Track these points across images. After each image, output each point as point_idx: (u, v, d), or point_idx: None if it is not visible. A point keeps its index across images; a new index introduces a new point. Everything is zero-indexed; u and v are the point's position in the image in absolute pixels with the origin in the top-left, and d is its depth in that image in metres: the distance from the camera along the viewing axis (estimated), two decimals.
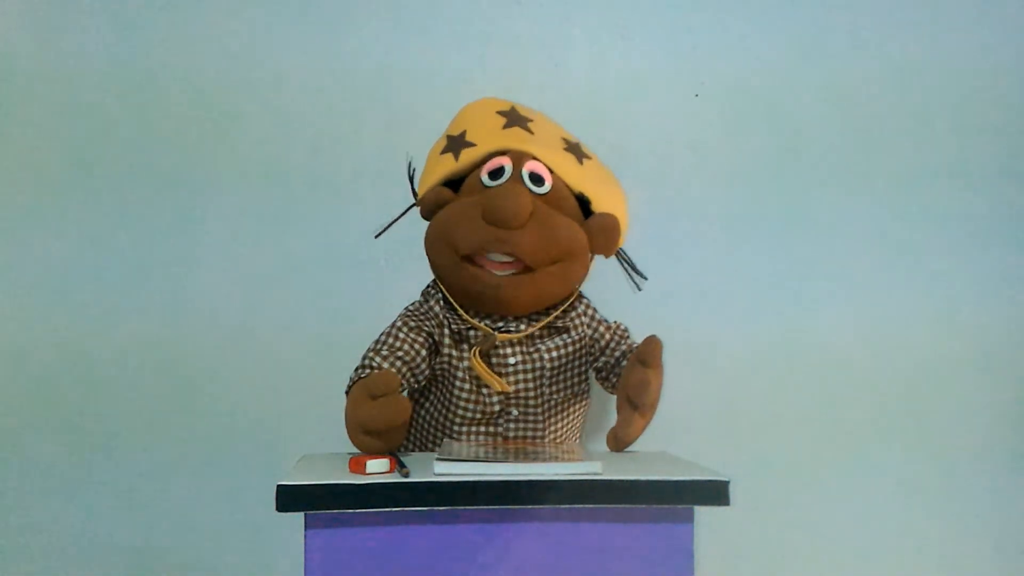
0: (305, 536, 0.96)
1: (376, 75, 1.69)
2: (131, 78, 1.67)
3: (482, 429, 1.26)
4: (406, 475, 0.98)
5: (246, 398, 1.65)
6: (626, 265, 1.38)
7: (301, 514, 0.95)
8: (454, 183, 1.28)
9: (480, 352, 1.22)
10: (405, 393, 1.22)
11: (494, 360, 1.24)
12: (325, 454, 1.17)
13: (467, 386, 1.24)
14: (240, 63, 1.68)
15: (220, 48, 1.68)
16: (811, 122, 1.75)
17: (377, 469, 0.99)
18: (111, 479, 1.63)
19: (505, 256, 1.19)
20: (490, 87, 1.67)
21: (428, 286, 1.31)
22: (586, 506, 0.98)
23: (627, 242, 1.42)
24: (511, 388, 1.23)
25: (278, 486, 0.94)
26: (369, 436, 1.09)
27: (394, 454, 1.07)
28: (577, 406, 1.32)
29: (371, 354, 1.22)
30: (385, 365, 1.19)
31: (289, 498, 0.94)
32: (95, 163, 1.66)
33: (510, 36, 1.71)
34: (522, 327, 1.25)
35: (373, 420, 1.08)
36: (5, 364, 1.64)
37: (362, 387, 1.10)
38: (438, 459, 1.00)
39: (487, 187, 1.22)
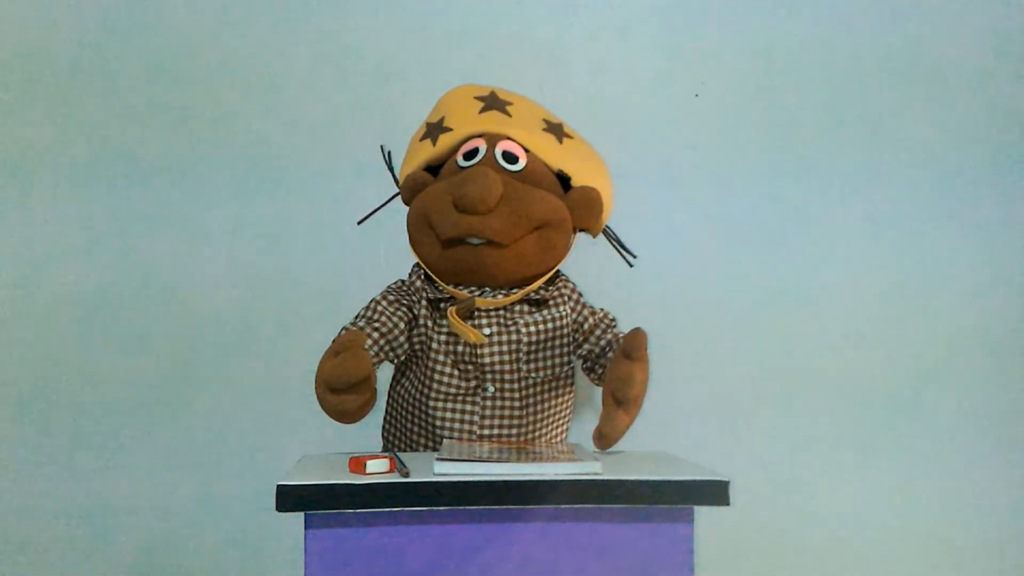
0: (305, 536, 0.96)
1: (376, 75, 1.69)
2: (128, 72, 1.67)
3: (458, 407, 1.25)
4: (406, 475, 0.98)
5: (246, 398, 1.65)
6: (615, 243, 1.38)
7: (301, 514, 0.95)
8: (434, 168, 1.31)
9: (457, 312, 1.22)
10: (381, 366, 1.23)
11: None
12: (325, 454, 1.17)
13: (441, 357, 1.24)
14: (240, 61, 1.68)
15: (220, 45, 1.68)
16: (810, 122, 1.75)
17: (377, 469, 0.99)
18: (111, 479, 1.63)
19: (480, 241, 1.21)
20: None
21: (414, 265, 1.32)
22: (586, 506, 0.98)
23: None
24: (487, 359, 1.23)
25: (278, 486, 0.94)
26: (333, 393, 1.09)
27: (394, 454, 1.07)
28: (559, 394, 1.30)
29: (348, 325, 1.24)
30: None
31: (289, 498, 0.94)
32: (92, 159, 1.66)
33: (510, 36, 1.71)
34: (500, 296, 1.25)
35: (333, 374, 1.08)
36: (3, 362, 1.64)
37: (329, 348, 1.11)
38: (438, 459, 1.00)
39: (462, 168, 1.25)
